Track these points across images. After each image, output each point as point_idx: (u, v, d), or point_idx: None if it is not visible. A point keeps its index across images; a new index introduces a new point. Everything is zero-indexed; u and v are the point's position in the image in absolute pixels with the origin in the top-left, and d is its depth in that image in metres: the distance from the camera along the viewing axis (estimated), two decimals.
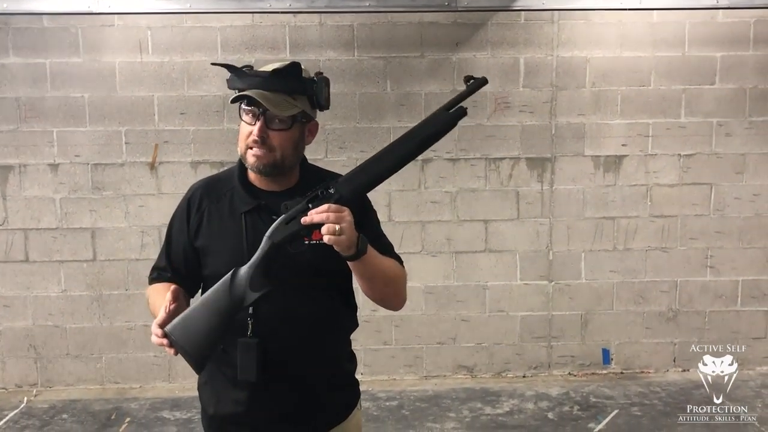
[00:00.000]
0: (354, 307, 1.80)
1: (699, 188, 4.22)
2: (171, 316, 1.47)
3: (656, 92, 4.14)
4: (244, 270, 1.51)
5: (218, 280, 1.58)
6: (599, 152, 4.17)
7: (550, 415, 3.76)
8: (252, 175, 1.69)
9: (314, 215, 1.46)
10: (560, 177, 4.18)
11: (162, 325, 1.46)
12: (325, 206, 1.47)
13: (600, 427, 3.60)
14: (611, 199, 4.20)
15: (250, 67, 1.62)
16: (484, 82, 1.59)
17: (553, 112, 4.14)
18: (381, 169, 1.56)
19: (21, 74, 4.00)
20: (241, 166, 1.71)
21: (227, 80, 1.63)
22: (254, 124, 1.59)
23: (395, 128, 4.09)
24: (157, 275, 1.76)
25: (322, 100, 1.65)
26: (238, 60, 3.94)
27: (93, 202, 4.09)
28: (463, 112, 1.57)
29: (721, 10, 4.06)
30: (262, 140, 1.58)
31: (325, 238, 1.46)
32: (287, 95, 1.58)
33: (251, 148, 1.60)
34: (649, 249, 4.25)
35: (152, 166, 4.08)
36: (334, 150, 4.08)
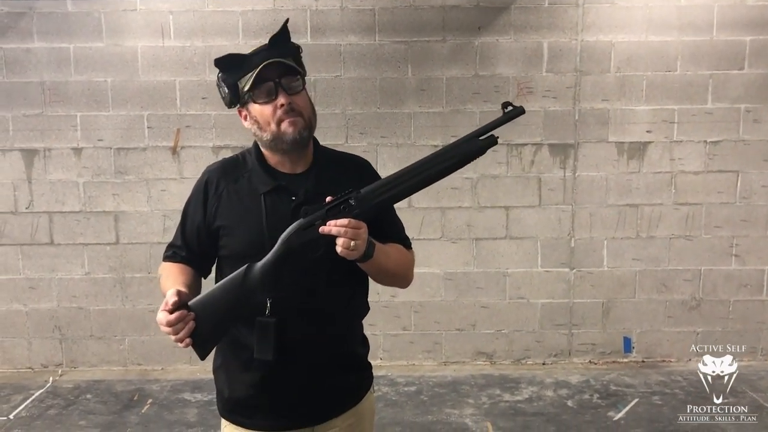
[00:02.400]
0: (366, 291, 1.81)
1: (725, 176, 4.15)
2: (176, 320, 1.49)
3: (682, 77, 4.07)
4: (257, 268, 1.52)
5: (237, 261, 1.60)
6: (623, 138, 4.11)
7: (569, 402, 3.75)
8: (270, 158, 1.70)
9: (332, 228, 1.48)
10: (583, 163, 4.13)
11: (169, 324, 1.48)
12: (345, 221, 1.49)
13: (620, 415, 3.58)
14: (635, 186, 4.15)
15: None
16: (521, 111, 1.56)
17: (576, 97, 4.08)
18: (404, 188, 1.57)
19: (45, 58, 4.03)
20: (258, 148, 1.72)
21: (222, 80, 1.63)
22: (274, 98, 1.60)
23: (416, 113, 4.07)
24: (171, 253, 1.77)
25: (303, 65, 1.69)
26: (259, 44, 3.92)
27: (116, 186, 4.13)
28: (494, 141, 1.56)
29: None
30: (291, 107, 1.60)
31: (339, 249, 1.49)
32: (286, 59, 1.62)
33: (283, 120, 1.60)
34: (672, 237, 4.19)
35: (174, 151, 4.11)
36: (354, 135, 4.06)
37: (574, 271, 4.23)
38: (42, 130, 4.09)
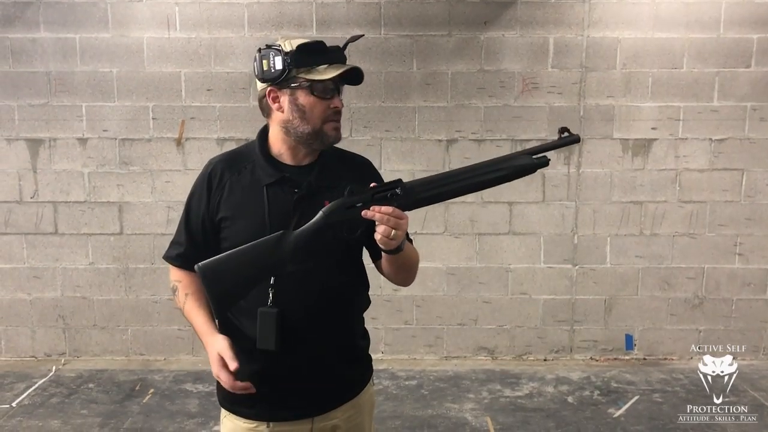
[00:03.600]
0: (367, 285, 1.82)
1: (730, 174, 4.13)
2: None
3: (689, 75, 4.05)
4: (292, 237, 1.53)
5: None
6: (628, 135, 4.10)
7: (570, 399, 3.75)
8: (275, 149, 1.70)
9: (377, 213, 1.50)
10: (588, 160, 4.12)
11: (233, 389, 1.57)
12: (389, 209, 1.50)
13: (620, 412, 3.58)
14: (639, 183, 4.14)
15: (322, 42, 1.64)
16: (577, 139, 1.60)
17: (582, 93, 4.07)
18: (451, 189, 1.58)
19: (51, 49, 4.04)
20: (262, 139, 1.72)
21: (280, 53, 1.58)
22: (330, 98, 1.63)
23: (420, 107, 4.06)
24: (179, 258, 1.75)
25: None
26: (265, 37, 3.94)
27: (120, 177, 4.14)
28: (545, 162, 1.59)
29: None
30: (340, 112, 1.66)
31: (377, 237, 1.51)
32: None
33: (330, 122, 1.64)
34: (676, 234, 4.18)
35: (179, 142, 4.11)
36: (358, 129, 4.06)
37: (577, 267, 4.23)
38: (47, 120, 4.10)
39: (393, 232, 1.49)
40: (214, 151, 4.00)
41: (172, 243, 1.79)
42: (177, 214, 4.18)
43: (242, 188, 1.68)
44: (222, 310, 1.55)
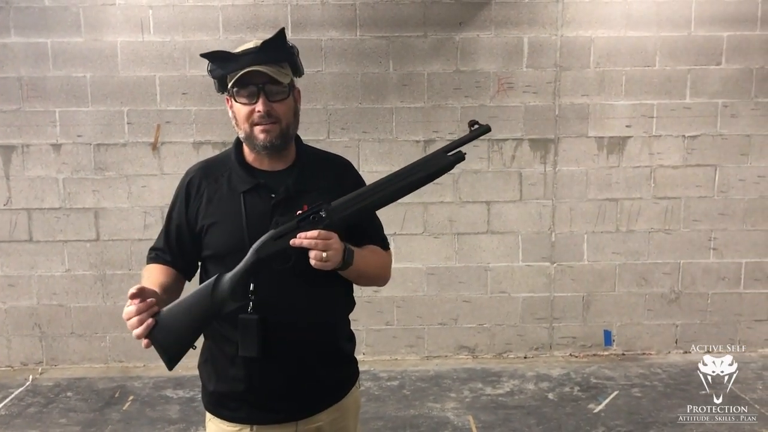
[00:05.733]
0: (350, 287, 1.82)
1: (703, 170, 4.20)
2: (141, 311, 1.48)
3: (661, 73, 4.11)
4: (227, 278, 1.53)
5: (219, 260, 1.63)
6: (603, 133, 4.15)
7: (550, 395, 3.78)
8: (250, 156, 1.71)
9: (303, 240, 1.51)
10: (563, 158, 4.16)
11: (127, 316, 1.47)
12: (315, 232, 1.51)
13: (600, 407, 3.62)
14: (614, 180, 4.19)
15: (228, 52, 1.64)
16: (487, 129, 1.63)
17: (556, 92, 4.11)
18: (374, 200, 1.60)
19: (22, 53, 3.98)
20: (238, 146, 1.73)
21: (210, 70, 1.64)
22: (255, 102, 1.60)
23: (397, 108, 4.07)
24: (155, 255, 1.78)
25: (300, 67, 1.70)
26: (240, 39, 3.92)
27: (96, 183, 4.10)
28: (461, 157, 1.61)
29: None
30: (268, 114, 1.61)
31: (312, 262, 1.51)
32: (277, 64, 1.62)
33: (257, 125, 1.62)
34: (652, 231, 4.24)
35: (154, 147, 4.08)
36: (336, 131, 4.06)
37: (555, 265, 4.26)
38: (20, 125, 4.04)
39: (324, 254, 1.50)
40: (191, 155, 3.97)
41: (151, 249, 1.80)
42: (154, 219, 4.17)
43: (220, 196, 1.68)
44: (172, 363, 1.53)
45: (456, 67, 4.07)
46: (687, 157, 4.18)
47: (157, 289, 1.56)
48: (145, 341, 1.49)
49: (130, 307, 1.47)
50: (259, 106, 1.60)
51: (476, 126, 1.63)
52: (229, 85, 1.62)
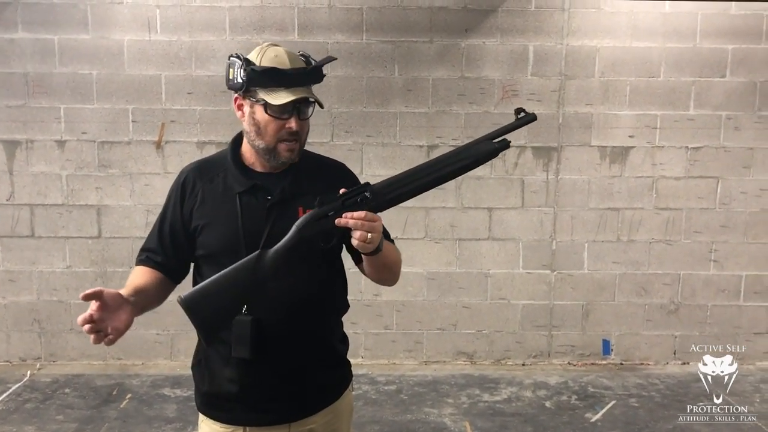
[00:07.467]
0: (345, 289, 1.82)
1: (705, 182, 4.20)
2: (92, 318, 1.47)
3: (665, 84, 4.12)
4: (270, 255, 1.53)
5: (213, 261, 1.62)
6: (606, 143, 4.16)
7: (547, 403, 3.78)
8: (247, 157, 1.71)
9: (350, 220, 1.50)
10: (566, 167, 4.17)
11: (85, 322, 1.46)
12: (362, 213, 1.50)
13: (597, 417, 3.62)
14: (616, 190, 4.19)
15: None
16: (533, 118, 1.62)
17: (560, 101, 4.12)
18: (417, 185, 1.60)
19: (30, 50, 4.00)
20: (235, 147, 1.73)
21: (247, 67, 1.57)
22: (287, 118, 1.60)
23: (402, 113, 4.08)
24: (145, 258, 1.74)
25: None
26: (247, 41, 3.94)
27: (99, 180, 4.11)
28: (507, 145, 1.61)
29: (734, 2, 4.02)
30: (296, 133, 1.62)
31: (354, 242, 1.51)
32: (309, 86, 1.65)
33: (284, 141, 1.62)
34: (653, 241, 4.24)
35: (158, 145, 4.09)
36: (340, 134, 4.07)
37: (555, 273, 4.27)
38: (25, 121, 4.05)
39: (369, 235, 1.50)
40: (194, 155, 3.98)
41: (141, 249, 1.77)
42: (156, 218, 4.16)
43: (215, 197, 1.68)
44: (210, 337, 1.53)
45: (461, 73, 4.08)
46: (689, 169, 4.19)
47: (130, 291, 1.56)
48: (105, 339, 1.52)
49: (85, 314, 1.46)
50: (293, 124, 1.60)
51: (522, 114, 1.60)
52: (270, 100, 1.57)
